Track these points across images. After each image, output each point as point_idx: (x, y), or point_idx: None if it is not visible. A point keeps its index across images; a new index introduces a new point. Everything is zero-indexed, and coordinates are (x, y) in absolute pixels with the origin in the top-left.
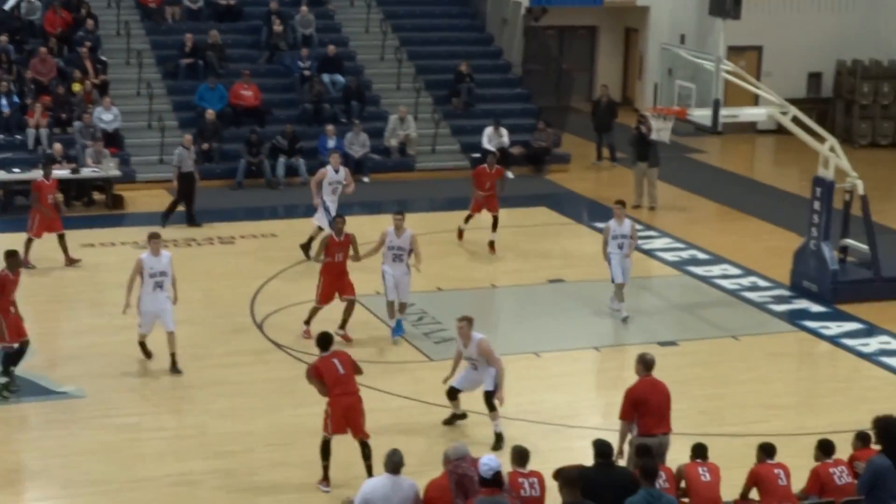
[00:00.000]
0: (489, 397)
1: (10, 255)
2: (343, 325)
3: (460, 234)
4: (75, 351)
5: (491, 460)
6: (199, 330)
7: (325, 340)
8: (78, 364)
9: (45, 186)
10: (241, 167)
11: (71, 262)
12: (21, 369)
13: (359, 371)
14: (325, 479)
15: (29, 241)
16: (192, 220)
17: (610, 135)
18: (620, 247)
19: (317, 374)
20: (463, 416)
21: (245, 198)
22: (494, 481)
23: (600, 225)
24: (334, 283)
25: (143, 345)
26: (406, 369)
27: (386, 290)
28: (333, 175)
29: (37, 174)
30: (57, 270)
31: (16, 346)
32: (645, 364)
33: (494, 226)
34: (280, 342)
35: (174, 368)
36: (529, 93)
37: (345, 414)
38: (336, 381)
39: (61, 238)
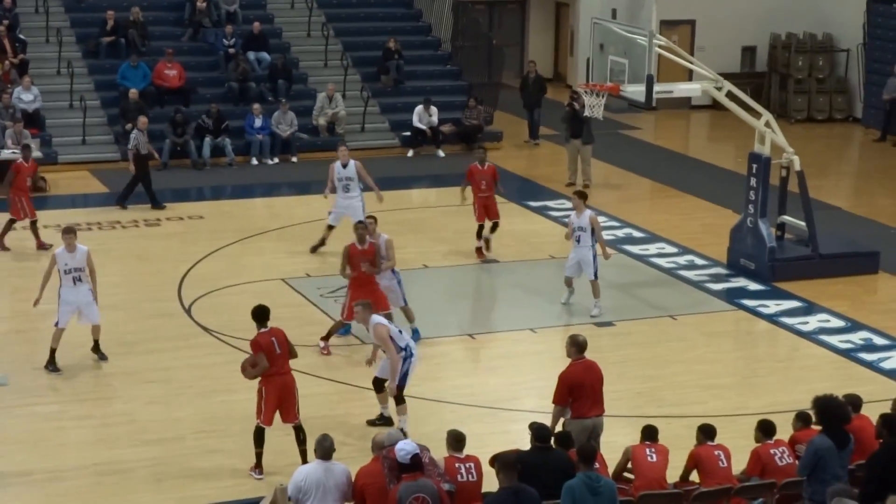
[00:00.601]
0: (378, 383)
1: None
2: (327, 337)
3: (479, 252)
4: None
5: (406, 444)
6: (124, 315)
7: (261, 314)
8: None
9: (23, 168)
10: (165, 147)
11: (42, 246)
12: None
13: (293, 354)
14: (258, 465)
15: (10, 224)
16: (155, 201)
17: (538, 111)
18: (578, 240)
19: (256, 349)
20: (388, 420)
21: (170, 179)
22: (413, 465)
23: (533, 204)
24: (363, 297)
25: (52, 359)
26: (342, 353)
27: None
28: (341, 170)
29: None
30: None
31: None
32: (577, 346)
33: (493, 228)
34: (208, 326)
35: (99, 353)
36: (459, 69)
37: (278, 394)
38: (272, 360)
39: (34, 224)
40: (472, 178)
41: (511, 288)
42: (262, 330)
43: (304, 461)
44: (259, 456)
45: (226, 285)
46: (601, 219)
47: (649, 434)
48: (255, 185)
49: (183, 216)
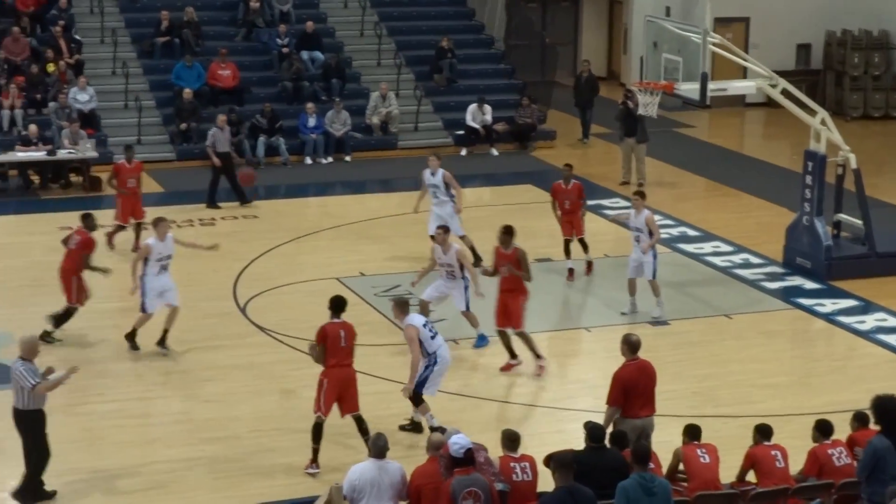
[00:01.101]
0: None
1: (86, 217)
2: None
3: (571, 273)
4: (59, 336)
5: (460, 438)
6: (181, 313)
7: (338, 305)
8: (61, 350)
9: (124, 169)
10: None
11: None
12: (1, 355)
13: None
14: (314, 461)
15: (118, 228)
16: (242, 197)
17: (590, 111)
18: (637, 240)
19: (321, 338)
20: (418, 426)
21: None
22: (466, 460)
23: (588, 203)
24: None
25: (132, 335)
26: (392, 351)
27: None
28: (430, 177)
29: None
30: (35, 254)
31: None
32: (630, 346)
33: (583, 246)
34: (264, 325)
35: (163, 345)
36: (513, 68)
37: (339, 385)
38: (335, 350)
39: (138, 226)
40: (556, 196)
41: (566, 286)
42: (335, 320)
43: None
44: (315, 452)
45: (280, 284)
46: (655, 217)
47: (693, 433)
48: (308, 184)
49: (237, 215)
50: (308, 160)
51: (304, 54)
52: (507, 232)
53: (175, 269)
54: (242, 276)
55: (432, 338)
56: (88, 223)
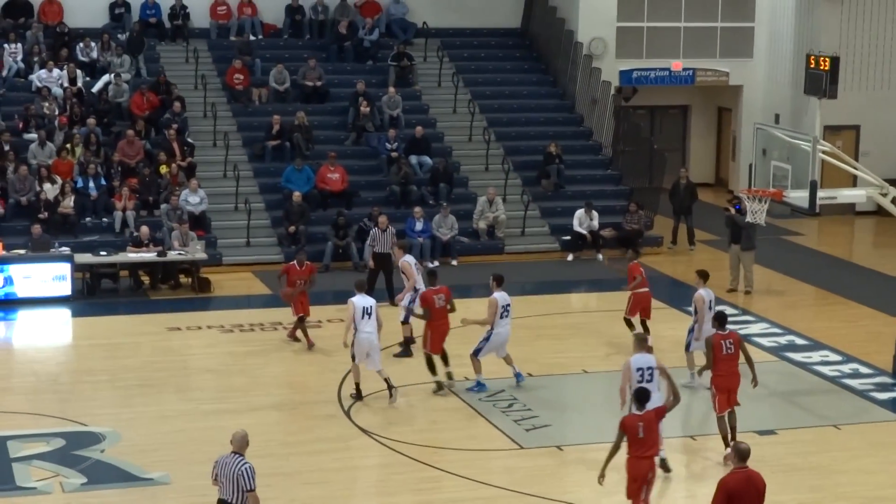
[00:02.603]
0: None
1: (431, 274)
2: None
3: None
4: (162, 436)
5: None
6: (285, 415)
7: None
8: (164, 450)
9: (293, 271)
10: (328, 250)
11: (310, 345)
12: (107, 455)
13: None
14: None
15: (300, 320)
16: (392, 297)
17: (690, 218)
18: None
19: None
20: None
21: (332, 281)
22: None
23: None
24: None
25: (357, 386)
26: (497, 457)
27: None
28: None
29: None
30: (144, 354)
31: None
32: (740, 454)
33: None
34: (367, 429)
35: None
36: (620, 174)
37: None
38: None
39: (301, 319)
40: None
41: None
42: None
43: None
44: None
45: (385, 388)
46: (762, 325)
47: None
48: None
49: (344, 318)
50: None
51: (413, 158)
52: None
53: (279, 369)
54: (348, 378)
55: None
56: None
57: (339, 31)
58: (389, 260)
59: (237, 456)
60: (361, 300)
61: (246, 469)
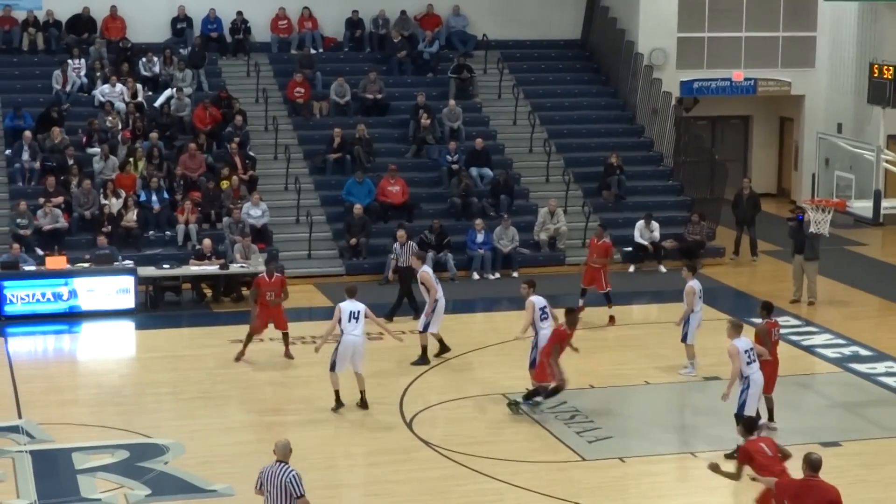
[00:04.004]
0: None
1: (570, 312)
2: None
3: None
4: (225, 448)
5: None
6: (347, 427)
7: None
8: (227, 462)
9: (262, 283)
10: (389, 263)
11: (288, 355)
12: (170, 467)
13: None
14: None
15: (248, 336)
16: (418, 312)
17: (753, 229)
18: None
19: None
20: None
21: (393, 293)
22: None
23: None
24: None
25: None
26: (559, 469)
27: None
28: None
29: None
30: (207, 366)
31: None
32: (810, 464)
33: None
34: (429, 440)
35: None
36: (681, 185)
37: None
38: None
39: (285, 336)
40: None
41: (733, 406)
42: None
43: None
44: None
45: (446, 399)
46: (826, 336)
47: None
48: (475, 299)
49: (405, 330)
50: (475, 275)
51: (474, 170)
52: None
53: (342, 381)
54: (409, 390)
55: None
56: (570, 319)
57: (392, 41)
58: (411, 273)
59: (282, 464)
60: (349, 304)
61: (293, 476)
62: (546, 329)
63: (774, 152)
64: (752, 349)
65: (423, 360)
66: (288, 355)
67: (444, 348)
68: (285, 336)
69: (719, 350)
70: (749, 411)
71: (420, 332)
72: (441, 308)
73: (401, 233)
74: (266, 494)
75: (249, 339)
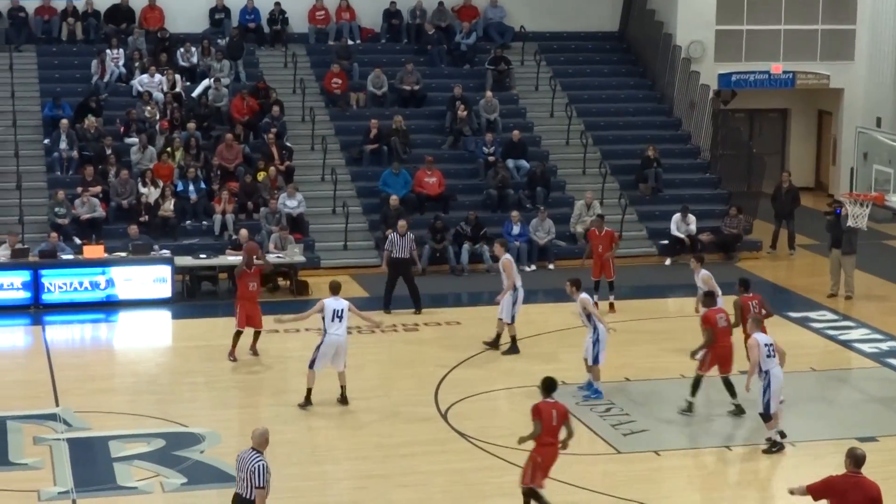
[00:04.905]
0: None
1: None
2: None
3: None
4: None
5: None
6: (381, 418)
7: (549, 386)
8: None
9: (244, 274)
10: (425, 253)
11: (254, 352)
12: (206, 455)
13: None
14: None
15: (236, 335)
16: (417, 304)
17: (792, 222)
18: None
19: (536, 414)
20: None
21: (429, 284)
22: None
23: (793, 315)
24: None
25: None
26: (594, 461)
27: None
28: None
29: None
30: (243, 356)
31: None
32: (855, 460)
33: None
34: (464, 431)
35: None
36: (718, 178)
37: (550, 461)
38: (548, 429)
39: (256, 333)
40: (591, 240)
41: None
42: (548, 400)
43: None
44: None
45: (482, 391)
46: (863, 331)
47: None
48: None
49: (441, 321)
50: None
51: (510, 162)
52: None
53: (375, 372)
54: (444, 381)
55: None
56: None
57: (426, 32)
58: (408, 265)
59: (255, 452)
60: (333, 302)
61: (259, 466)
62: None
63: (812, 146)
64: (772, 344)
65: (513, 349)
66: (254, 351)
67: (497, 342)
68: (257, 334)
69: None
70: (773, 408)
71: (508, 324)
72: (520, 298)
73: (402, 223)
74: (238, 477)
75: (238, 336)
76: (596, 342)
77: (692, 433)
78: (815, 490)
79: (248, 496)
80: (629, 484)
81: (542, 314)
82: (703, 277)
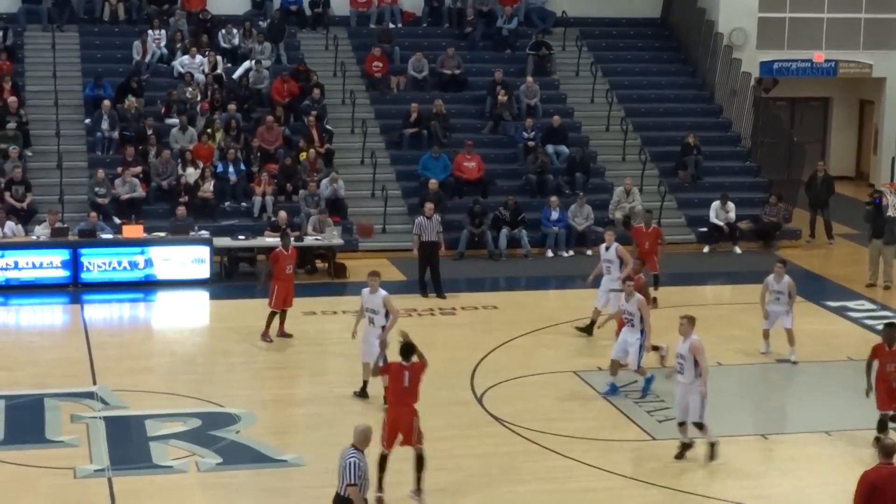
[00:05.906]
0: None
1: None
2: None
3: (655, 302)
4: (296, 419)
5: None
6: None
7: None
8: (298, 432)
9: (282, 256)
10: (463, 238)
11: (284, 334)
12: (242, 436)
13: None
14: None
15: (271, 315)
16: (439, 290)
17: (827, 211)
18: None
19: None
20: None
21: (467, 269)
22: None
23: (831, 304)
24: None
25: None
26: (628, 448)
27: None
28: (603, 252)
29: (274, 242)
30: (279, 338)
31: None
32: (884, 450)
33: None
34: (500, 416)
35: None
36: (758, 166)
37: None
38: (399, 391)
39: (283, 312)
40: (637, 237)
41: (806, 388)
42: (402, 362)
43: (418, 487)
44: (380, 480)
45: (518, 376)
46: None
47: None
48: (549, 276)
49: (478, 306)
50: (549, 253)
51: (550, 148)
52: None
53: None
54: (480, 366)
55: None
56: None
57: (467, 16)
58: (436, 249)
59: (352, 449)
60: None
61: (350, 462)
62: None
63: (853, 135)
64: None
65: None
66: (265, 334)
67: (591, 328)
68: (273, 314)
69: (799, 333)
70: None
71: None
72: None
73: (428, 205)
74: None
75: (273, 317)
76: (641, 347)
77: (728, 421)
78: (862, 496)
79: (342, 493)
80: (663, 470)
81: (581, 299)
82: (787, 284)
